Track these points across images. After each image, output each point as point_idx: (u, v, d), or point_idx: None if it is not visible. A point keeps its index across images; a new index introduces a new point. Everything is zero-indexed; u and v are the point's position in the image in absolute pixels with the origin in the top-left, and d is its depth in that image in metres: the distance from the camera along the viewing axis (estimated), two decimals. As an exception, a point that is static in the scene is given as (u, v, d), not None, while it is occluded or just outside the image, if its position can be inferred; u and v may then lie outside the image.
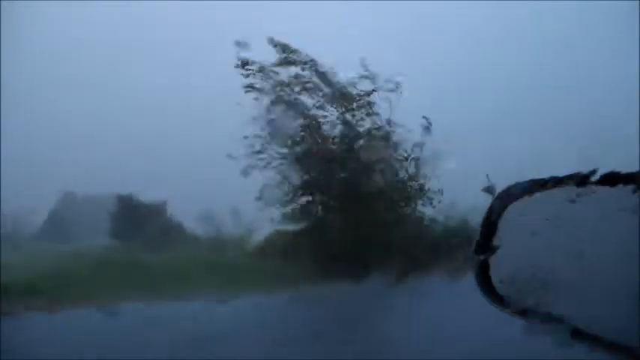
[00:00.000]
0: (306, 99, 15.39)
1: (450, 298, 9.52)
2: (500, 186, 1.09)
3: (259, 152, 15.10)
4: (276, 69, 15.14)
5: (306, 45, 16.20)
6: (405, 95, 15.02)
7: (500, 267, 1.07)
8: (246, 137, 14.94)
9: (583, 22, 19.69)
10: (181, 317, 10.57)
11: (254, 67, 15.10)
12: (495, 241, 1.07)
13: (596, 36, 19.82)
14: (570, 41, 20.98)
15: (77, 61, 23.65)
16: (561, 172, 1.02)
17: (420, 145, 15.33)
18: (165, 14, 23.11)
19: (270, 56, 15.16)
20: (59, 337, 9.11)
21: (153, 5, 21.64)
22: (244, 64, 15.04)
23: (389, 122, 15.44)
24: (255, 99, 15.07)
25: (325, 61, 15.12)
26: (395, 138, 15.56)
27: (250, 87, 15.02)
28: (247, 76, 15.08)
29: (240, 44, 15.02)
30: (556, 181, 1.02)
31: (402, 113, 15.27)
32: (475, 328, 7.01)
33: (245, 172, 14.97)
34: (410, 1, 20.24)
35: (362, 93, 15.35)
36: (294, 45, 15.14)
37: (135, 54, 24.31)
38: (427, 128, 15.12)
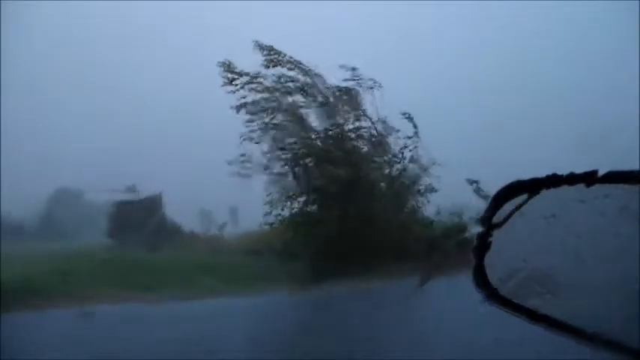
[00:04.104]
0: (297, 99, 15.45)
1: (448, 297, 9.52)
2: (499, 185, 1.08)
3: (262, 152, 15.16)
4: (264, 74, 15.18)
5: (303, 46, 16.21)
6: (402, 96, 15.09)
7: (498, 266, 1.06)
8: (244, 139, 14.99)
9: (583, 22, 19.72)
10: (179, 316, 10.57)
11: (241, 81, 15.07)
12: (493, 240, 1.06)
13: (596, 36, 19.83)
14: (570, 41, 21.00)
15: (77, 61, 23.68)
16: (561, 172, 1.01)
17: (413, 146, 15.39)
18: (167, 14, 23.11)
19: (257, 64, 15.20)
20: (58, 336, 9.10)
21: (153, 6, 21.64)
22: (232, 80, 15.01)
23: (383, 122, 15.49)
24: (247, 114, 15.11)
25: (318, 61, 15.21)
26: (389, 138, 15.63)
27: (240, 105, 15.03)
28: (235, 91, 15.05)
29: (224, 64, 14.98)
30: (555, 181, 1.01)
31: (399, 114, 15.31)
32: (473, 327, 7.01)
33: (245, 175, 15.01)
34: (411, 1, 20.26)
35: (350, 90, 15.44)
36: (280, 46, 15.22)
37: (135, 55, 24.35)
38: (415, 129, 15.23)
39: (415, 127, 15.33)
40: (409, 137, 15.45)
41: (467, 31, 23.26)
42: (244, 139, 15.03)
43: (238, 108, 15.05)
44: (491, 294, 1.04)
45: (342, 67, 15.25)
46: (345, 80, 15.44)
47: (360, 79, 15.38)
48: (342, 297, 12.21)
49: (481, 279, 1.06)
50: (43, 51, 21.30)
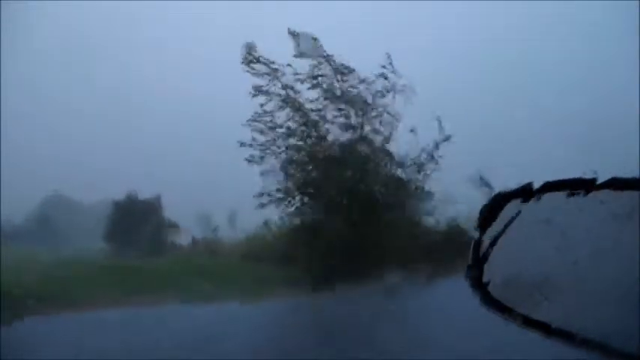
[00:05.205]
0: (313, 96, 15.15)
1: (447, 301, 9.50)
2: (499, 187, 1.08)
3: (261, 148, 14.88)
4: (285, 68, 14.83)
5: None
6: (411, 101, 14.88)
7: (494, 271, 1.05)
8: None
9: (583, 22, 19.72)
10: (178, 321, 10.55)
11: (263, 66, 14.76)
12: (489, 246, 1.05)
13: (596, 36, 19.84)
14: (570, 41, 21.01)
15: (77, 61, 23.70)
16: (561, 173, 1.00)
17: (431, 150, 15.21)
18: (168, 15, 23.10)
19: (278, 57, 14.89)
20: (58, 341, 9.09)
21: (155, 5, 21.64)
22: (252, 61, 14.71)
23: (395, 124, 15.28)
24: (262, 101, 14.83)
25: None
26: (397, 140, 15.49)
27: (257, 89, 14.73)
28: (254, 74, 14.76)
29: (249, 45, 14.74)
30: (554, 185, 1.00)
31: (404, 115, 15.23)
32: (470, 330, 6.99)
33: (250, 161, 14.70)
34: (413, 1, 20.27)
35: (377, 94, 15.12)
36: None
37: (136, 56, 24.35)
38: (441, 127, 15.01)
39: (439, 127, 15.09)
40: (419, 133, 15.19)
41: (465, 31, 23.26)
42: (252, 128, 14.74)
43: (255, 92, 14.76)
44: (488, 299, 1.03)
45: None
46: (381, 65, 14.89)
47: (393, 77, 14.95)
48: (342, 301, 12.19)
49: (478, 284, 1.05)
50: (43, 51, 21.29)
